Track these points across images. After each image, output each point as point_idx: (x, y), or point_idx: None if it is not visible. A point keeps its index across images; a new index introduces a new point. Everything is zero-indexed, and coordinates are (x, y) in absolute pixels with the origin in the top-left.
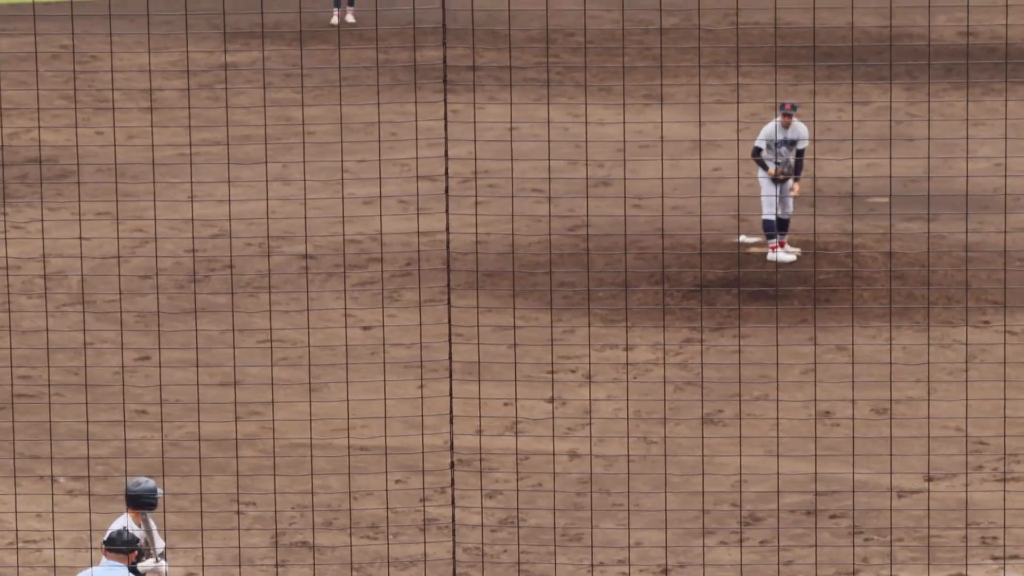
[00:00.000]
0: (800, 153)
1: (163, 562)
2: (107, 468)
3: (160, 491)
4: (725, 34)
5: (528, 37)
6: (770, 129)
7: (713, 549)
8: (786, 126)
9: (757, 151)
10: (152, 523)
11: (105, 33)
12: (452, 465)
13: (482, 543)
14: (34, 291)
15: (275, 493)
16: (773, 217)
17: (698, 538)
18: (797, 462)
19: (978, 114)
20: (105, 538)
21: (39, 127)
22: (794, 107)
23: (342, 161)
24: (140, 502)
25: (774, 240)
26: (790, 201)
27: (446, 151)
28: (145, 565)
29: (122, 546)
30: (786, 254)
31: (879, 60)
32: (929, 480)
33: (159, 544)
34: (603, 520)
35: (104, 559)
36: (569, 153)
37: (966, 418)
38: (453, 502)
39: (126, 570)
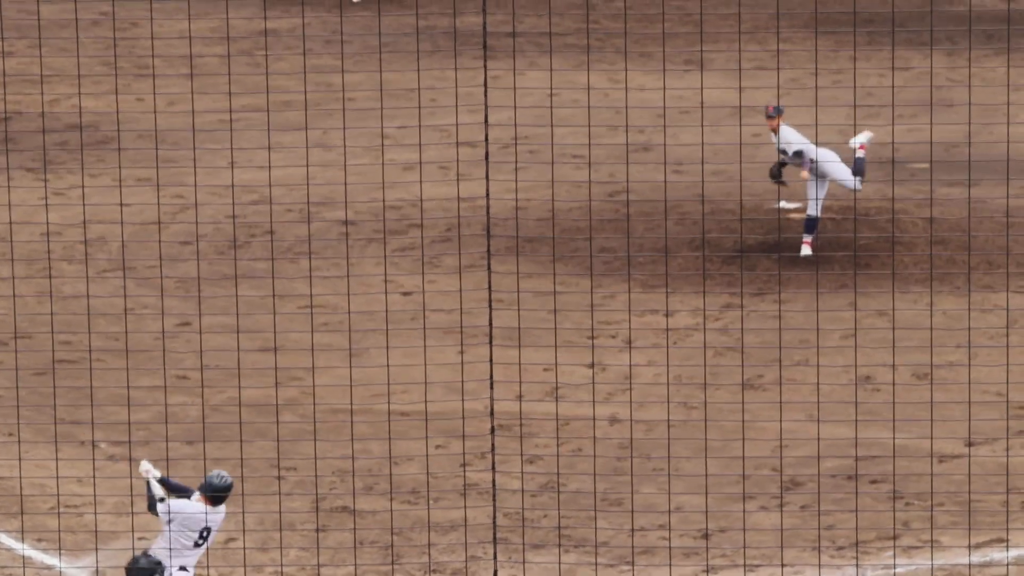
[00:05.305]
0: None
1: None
2: (148, 433)
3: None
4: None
5: (568, 3)
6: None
7: (753, 514)
8: (773, 132)
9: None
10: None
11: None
12: (492, 430)
13: (522, 508)
14: (75, 257)
15: (315, 458)
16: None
17: (738, 503)
18: (837, 427)
19: (1019, 79)
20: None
21: (80, 93)
22: (777, 109)
23: (382, 127)
24: (218, 496)
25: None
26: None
27: (486, 117)
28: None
29: (142, 571)
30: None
31: (920, 25)
32: (970, 445)
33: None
34: (643, 485)
35: None
36: (609, 119)
37: (1007, 383)
38: (493, 467)
39: None
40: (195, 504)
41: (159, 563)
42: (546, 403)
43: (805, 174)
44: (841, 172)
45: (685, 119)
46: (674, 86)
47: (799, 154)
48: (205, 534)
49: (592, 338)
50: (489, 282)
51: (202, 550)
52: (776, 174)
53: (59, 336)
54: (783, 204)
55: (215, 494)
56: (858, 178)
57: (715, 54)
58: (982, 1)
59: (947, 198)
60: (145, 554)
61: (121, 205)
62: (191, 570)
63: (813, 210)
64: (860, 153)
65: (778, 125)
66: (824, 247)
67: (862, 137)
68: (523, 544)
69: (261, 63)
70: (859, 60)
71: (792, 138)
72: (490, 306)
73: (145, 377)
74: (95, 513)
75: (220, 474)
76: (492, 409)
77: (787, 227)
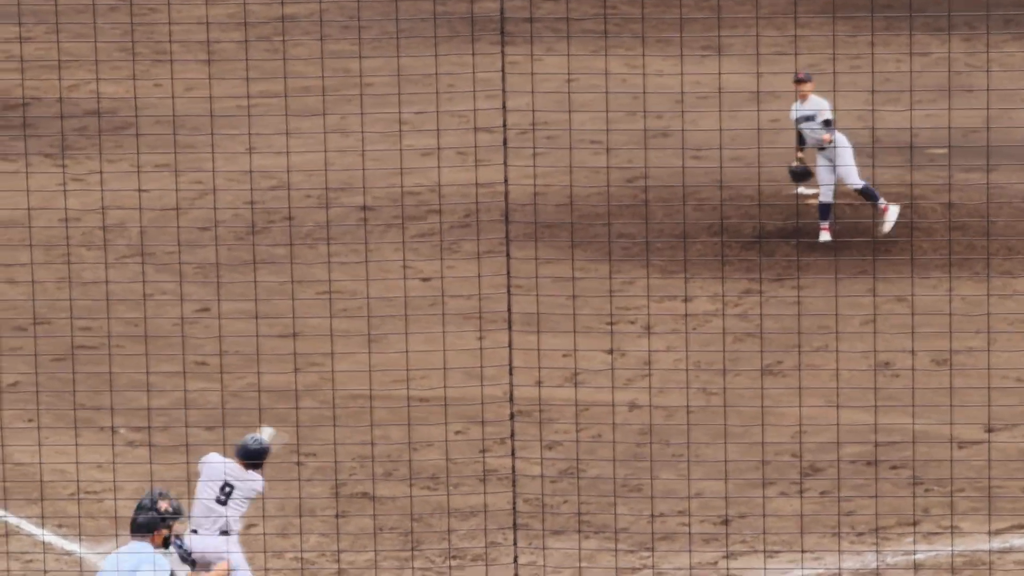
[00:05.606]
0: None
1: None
2: (168, 419)
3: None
4: None
5: None
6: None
7: (773, 500)
8: (802, 99)
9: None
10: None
11: None
12: (512, 416)
13: (542, 494)
14: (94, 243)
15: (335, 444)
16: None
17: (758, 489)
18: (857, 412)
19: None
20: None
21: (98, 79)
22: (808, 75)
23: (400, 112)
24: (257, 458)
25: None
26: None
27: (504, 102)
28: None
29: (140, 526)
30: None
31: (938, 10)
32: (990, 431)
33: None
34: (663, 471)
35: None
36: (627, 104)
37: None
38: (513, 453)
39: (152, 549)
40: (227, 459)
41: (162, 519)
42: (565, 389)
43: (827, 136)
44: (849, 160)
45: (703, 104)
46: (692, 71)
47: (828, 123)
48: (228, 490)
49: (611, 324)
50: (508, 268)
51: (237, 512)
52: (797, 175)
53: (78, 322)
54: (801, 190)
55: (247, 456)
56: (861, 185)
57: (733, 39)
58: None
59: (966, 183)
60: (142, 507)
61: (140, 191)
62: (234, 534)
63: (826, 196)
64: (881, 201)
65: (808, 92)
66: (843, 233)
67: (893, 212)
68: (543, 530)
69: (279, 49)
70: (877, 45)
71: (824, 105)
72: (509, 292)
73: (165, 363)
74: (115, 499)
75: (255, 437)
76: (511, 395)
77: (806, 213)
